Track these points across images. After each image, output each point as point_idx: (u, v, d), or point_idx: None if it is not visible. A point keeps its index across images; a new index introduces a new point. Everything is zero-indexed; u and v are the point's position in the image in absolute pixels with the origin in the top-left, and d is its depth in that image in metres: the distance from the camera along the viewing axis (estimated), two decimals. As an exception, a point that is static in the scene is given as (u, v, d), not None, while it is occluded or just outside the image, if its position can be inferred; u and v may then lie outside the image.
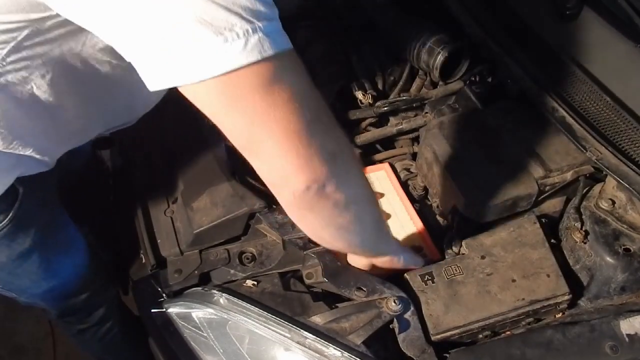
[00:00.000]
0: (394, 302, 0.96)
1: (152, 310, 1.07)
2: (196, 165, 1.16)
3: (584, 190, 1.14)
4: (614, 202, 1.10)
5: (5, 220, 0.98)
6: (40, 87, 0.86)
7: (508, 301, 1.01)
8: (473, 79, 1.37)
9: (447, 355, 0.97)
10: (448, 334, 0.99)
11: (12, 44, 0.77)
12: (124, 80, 0.90)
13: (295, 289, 1.05)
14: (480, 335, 1.03)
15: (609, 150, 1.06)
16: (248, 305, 0.99)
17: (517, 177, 1.11)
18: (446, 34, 1.38)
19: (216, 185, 1.11)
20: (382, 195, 1.25)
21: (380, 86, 1.47)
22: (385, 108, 1.36)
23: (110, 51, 0.80)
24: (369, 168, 1.35)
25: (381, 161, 1.38)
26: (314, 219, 0.80)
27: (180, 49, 0.60)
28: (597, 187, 1.14)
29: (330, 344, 0.92)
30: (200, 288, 1.06)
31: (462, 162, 1.14)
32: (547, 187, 1.13)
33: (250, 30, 0.60)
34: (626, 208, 1.09)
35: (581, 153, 1.10)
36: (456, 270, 1.05)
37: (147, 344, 1.15)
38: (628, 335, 0.97)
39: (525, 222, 1.10)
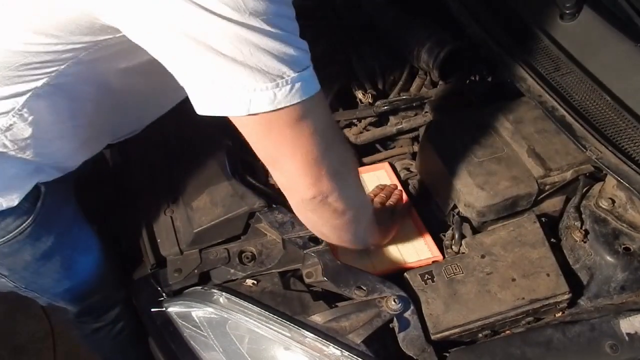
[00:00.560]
0: (394, 301, 0.96)
1: (152, 310, 1.06)
2: (196, 165, 1.16)
3: (584, 190, 1.14)
4: (613, 201, 1.10)
5: (29, 219, 1.00)
6: (78, 97, 0.90)
7: (508, 300, 1.01)
8: (473, 79, 1.37)
9: (447, 355, 0.97)
10: (448, 333, 0.99)
11: (73, 60, 0.82)
12: (147, 93, 1.00)
13: (295, 288, 1.05)
14: (480, 335, 1.03)
15: (608, 150, 1.06)
16: (248, 305, 0.99)
17: (517, 177, 1.11)
18: (446, 34, 1.38)
19: (216, 184, 1.11)
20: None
21: (380, 86, 1.47)
22: (385, 107, 1.36)
23: (150, 68, 0.87)
24: (369, 167, 1.35)
25: (381, 161, 1.38)
26: (316, 219, 0.94)
27: (237, 87, 0.70)
28: (597, 186, 1.14)
29: (330, 343, 0.92)
30: (200, 287, 1.05)
31: (462, 162, 1.14)
32: (547, 187, 1.13)
33: (297, 78, 0.72)
34: (626, 207, 1.09)
35: (581, 152, 1.10)
36: (456, 270, 1.05)
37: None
38: (628, 334, 0.97)
39: (525, 222, 1.10)
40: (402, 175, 1.34)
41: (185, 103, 1.18)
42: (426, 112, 1.37)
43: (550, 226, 1.15)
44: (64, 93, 0.88)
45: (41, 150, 0.95)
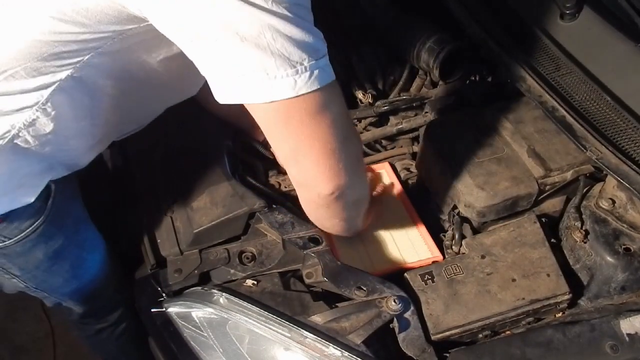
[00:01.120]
0: (394, 301, 0.96)
1: (152, 310, 1.06)
2: (196, 165, 1.16)
3: (584, 190, 1.14)
4: (614, 202, 1.10)
5: (42, 218, 1.02)
6: (97, 92, 0.91)
7: (508, 301, 1.01)
8: (473, 79, 1.37)
9: (447, 355, 0.97)
10: (448, 333, 0.99)
11: (97, 50, 0.84)
12: (159, 90, 1.02)
13: (295, 288, 1.05)
14: (480, 335, 1.03)
15: (609, 150, 1.06)
16: (248, 305, 0.99)
17: (517, 177, 1.11)
18: (446, 34, 1.38)
19: (216, 184, 1.11)
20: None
21: (380, 86, 1.47)
22: (385, 107, 1.36)
23: (167, 62, 0.91)
24: (369, 168, 1.35)
25: (381, 161, 1.38)
26: (325, 213, 0.97)
27: (259, 73, 0.72)
28: (597, 187, 1.14)
29: (330, 344, 0.92)
30: (200, 288, 1.05)
31: (462, 162, 1.14)
32: (547, 187, 1.13)
33: (315, 65, 0.74)
34: (626, 207, 1.09)
35: (581, 152, 1.10)
36: (456, 270, 1.05)
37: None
38: (628, 334, 0.97)
39: (525, 222, 1.10)
40: (402, 175, 1.34)
41: (186, 103, 1.19)
42: (426, 112, 1.37)
43: (551, 226, 1.15)
44: (85, 88, 0.89)
45: (58, 147, 0.96)
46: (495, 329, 1.03)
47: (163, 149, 1.23)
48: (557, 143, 1.15)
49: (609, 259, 1.05)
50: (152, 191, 1.19)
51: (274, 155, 1.28)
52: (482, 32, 1.33)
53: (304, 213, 1.01)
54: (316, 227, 1.06)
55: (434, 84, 1.47)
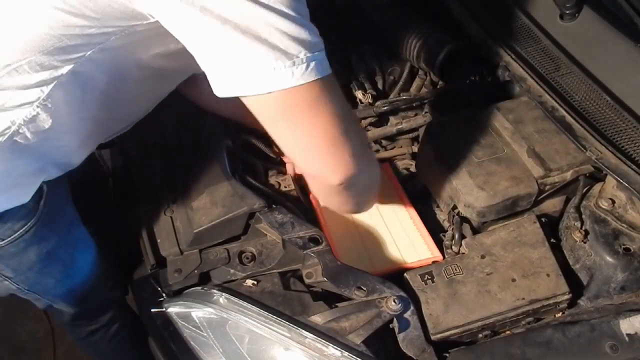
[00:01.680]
0: (394, 301, 0.96)
1: (152, 310, 1.06)
2: (196, 165, 1.16)
3: (584, 190, 1.14)
4: (613, 202, 1.10)
5: (34, 218, 1.02)
6: (90, 87, 0.92)
7: (508, 301, 1.01)
8: (473, 79, 1.37)
9: (447, 355, 0.97)
10: (448, 333, 0.99)
11: (100, 46, 0.85)
12: (148, 85, 1.03)
13: (295, 288, 1.05)
14: (480, 335, 1.03)
15: (608, 150, 1.06)
16: (248, 305, 0.99)
17: (517, 177, 1.11)
18: (446, 34, 1.38)
19: (216, 184, 1.11)
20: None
21: (380, 86, 1.47)
22: (385, 108, 1.36)
23: (161, 61, 0.93)
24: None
25: (381, 161, 1.38)
26: (338, 199, 1.00)
27: (256, 65, 0.74)
28: (597, 187, 1.14)
29: (330, 344, 0.92)
30: (200, 288, 1.05)
31: (462, 162, 1.14)
32: (547, 187, 1.13)
33: (311, 57, 0.76)
34: (626, 207, 1.09)
35: (581, 152, 1.10)
36: (456, 270, 1.05)
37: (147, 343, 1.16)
38: (628, 334, 0.97)
39: (525, 222, 1.10)
40: (402, 175, 1.34)
41: (186, 103, 1.19)
42: (426, 112, 1.37)
43: (551, 226, 1.15)
44: (80, 82, 0.89)
45: (54, 144, 0.96)
46: (495, 328, 1.03)
47: (163, 149, 1.23)
48: (556, 143, 1.15)
49: (608, 259, 1.05)
50: (152, 191, 1.19)
51: (275, 153, 1.28)
52: (482, 32, 1.33)
53: (304, 212, 1.02)
54: (316, 227, 1.06)
55: (434, 84, 1.47)
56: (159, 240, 1.12)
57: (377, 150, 1.42)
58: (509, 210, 1.12)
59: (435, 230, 1.18)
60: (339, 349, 0.92)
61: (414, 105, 1.39)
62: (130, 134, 1.17)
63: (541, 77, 1.20)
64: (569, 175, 1.13)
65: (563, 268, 1.05)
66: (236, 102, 0.79)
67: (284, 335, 0.95)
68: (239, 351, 0.98)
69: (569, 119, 1.12)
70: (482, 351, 0.97)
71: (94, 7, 0.78)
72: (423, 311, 1.00)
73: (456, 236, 1.10)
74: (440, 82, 1.44)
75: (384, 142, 1.43)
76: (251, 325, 0.97)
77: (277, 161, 1.29)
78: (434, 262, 1.09)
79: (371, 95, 1.41)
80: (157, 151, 1.24)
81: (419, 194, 1.28)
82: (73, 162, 1.06)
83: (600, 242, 1.06)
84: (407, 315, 0.97)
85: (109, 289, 1.33)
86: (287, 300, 1.01)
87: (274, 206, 1.09)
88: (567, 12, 1.24)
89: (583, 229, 1.08)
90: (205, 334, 1.01)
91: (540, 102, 1.17)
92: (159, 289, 1.08)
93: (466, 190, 1.11)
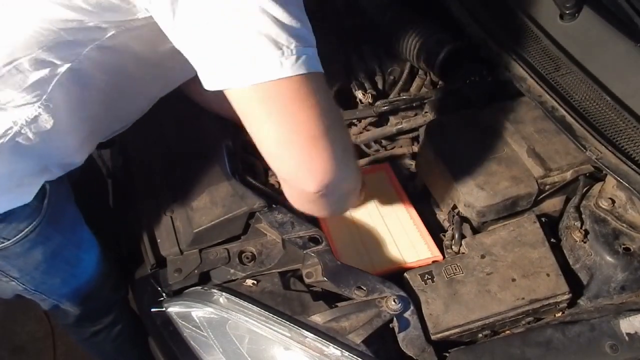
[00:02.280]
0: (394, 301, 0.96)
1: (152, 310, 1.06)
2: (196, 165, 1.16)
3: (584, 190, 1.14)
4: (613, 202, 1.10)
5: (39, 218, 1.02)
6: (90, 85, 0.92)
7: (508, 300, 1.01)
8: (473, 78, 1.37)
9: (447, 355, 0.97)
10: (448, 333, 0.99)
11: (97, 42, 0.84)
12: (146, 84, 1.02)
13: (295, 288, 1.05)
14: (480, 335, 1.03)
15: (608, 150, 1.06)
16: (248, 305, 0.99)
17: (517, 177, 1.11)
18: (446, 34, 1.38)
19: (216, 184, 1.11)
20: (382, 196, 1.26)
21: (380, 86, 1.47)
22: (385, 107, 1.36)
23: (163, 57, 0.91)
24: (369, 168, 1.35)
25: (381, 161, 1.38)
26: (313, 207, 0.95)
27: (245, 54, 0.72)
28: (597, 187, 1.14)
29: (330, 343, 0.92)
30: (200, 287, 1.05)
31: (462, 162, 1.14)
32: (547, 187, 1.13)
33: (302, 51, 0.74)
34: (626, 207, 1.09)
35: (581, 152, 1.10)
36: (456, 270, 1.05)
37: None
38: (628, 334, 0.97)
39: (525, 222, 1.10)
40: (402, 175, 1.34)
41: (186, 103, 1.19)
42: (426, 112, 1.37)
43: (550, 226, 1.15)
44: (80, 81, 0.89)
45: (55, 144, 0.96)
46: (495, 328, 1.03)
47: (163, 149, 1.23)
48: (556, 143, 1.15)
49: (608, 258, 1.05)
50: (152, 191, 1.19)
51: None
52: (482, 32, 1.33)
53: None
54: (316, 227, 1.06)
55: (434, 84, 1.47)
56: (159, 240, 1.12)
57: (377, 150, 1.42)
58: (509, 210, 1.12)
59: (435, 230, 1.18)
60: (339, 348, 0.92)
61: (414, 105, 1.39)
62: (130, 134, 1.17)
63: (541, 77, 1.20)
64: (569, 175, 1.13)
65: (563, 268, 1.05)
66: None
67: (284, 335, 0.95)
68: (239, 351, 0.98)
69: (569, 118, 1.12)
70: (482, 351, 0.97)
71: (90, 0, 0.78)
72: (423, 311, 1.00)
73: (456, 236, 1.10)
74: (440, 82, 1.44)
75: (384, 142, 1.43)
76: (251, 325, 0.97)
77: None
78: (434, 261, 1.09)
79: (371, 95, 1.41)
80: (157, 151, 1.24)
81: (419, 194, 1.28)
82: (75, 161, 1.06)
83: (600, 241, 1.06)
84: (407, 315, 0.97)
85: (112, 289, 1.33)
86: (287, 300, 1.01)
87: (274, 206, 1.09)
88: (567, 12, 1.23)
89: (583, 228, 1.08)
90: (205, 334, 1.01)
91: (540, 102, 1.17)
92: (159, 288, 1.08)
93: (466, 190, 1.11)
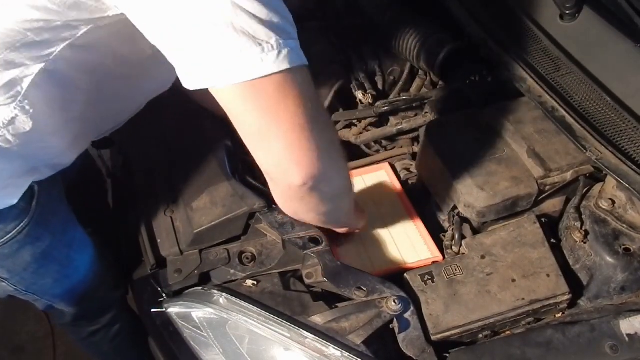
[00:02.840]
0: (394, 301, 0.96)
1: (152, 310, 1.06)
2: (196, 165, 1.16)
3: (584, 190, 1.14)
4: (613, 202, 1.10)
5: (27, 219, 1.01)
6: (69, 85, 0.90)
7: (508, 301, 1.01)
8: (473, 79, 1.37)
9: (447, 355, 0.97)
10: (448, 333, 0.99)
11: (69, 42, 0.83)
12: (132, 82, 1.01)
13: (295, 288, 1.05)
14: (480, 335, 1.03)
15: (608, 150, 1.06)
16: (248, 305, 0.99)
17: (517, 177, 1.11)
18: (446, 34, 1.38)
19: (216, 185, 1.11)
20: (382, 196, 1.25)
21: (380, 86, 1.47)
22: (385, 108, 1.36)
23: (141, 57, 0.90)
24: (369, 168, 1.35)
25: (381, 161, 1.38)
26: (300, 207, 0.93)
27: (223, 54, 0.70)
28: (597, 187, 1.14)
29: (330, 344, 0.92)
30: (200, 288, 1.05)
31: (462, 162, 1.14)
32: (547, 187, 1.13)
33: (283, 45, 0.71)
34: (626, 208, 1.09)
35: (581, 153, 1.10)
36: (456, 270, 1.05)
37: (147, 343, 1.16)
38: (628, 335, 0.97)
39: (525, 222, 1.10)
40: (402, 175, 1.34)
41: (186, 103, 1.19)
42: (426, 112, 1.37)
43: (551, 227, 1.15)
44: (58, 81, 0.88)
45: (38, 145, 0.95)
46: (495, 329, 1.03)
47: (163, 149, 1.23)
48: (557, 143, 1.15)
49: (608, 259, 1.05)
50: (152, 191, 1.19)
51: None
52: (482, 32, 1.33)
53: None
54: (316, 227, 1.06)
55: (434, 84, 1.47)
56: (159, 241, 1.12)
57: (377, 151, 1.42)
58: (509, 211, 1.12)
59: (435, 230, 1.18)
60: (339, 349, 0.92)
61: (414, 105, 1.39)
62: (130, 134, 1.17)
63: (541, 77, 1.20)
64: (569, 175, 1.13)
65: (563, 268, 1.05)
66: None
67: (284, 336, 0.95)
68: (239, 351, 0.98)
69: (569, 119, 1.12)
70: (482, 351, 0.97)
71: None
72: (423, 311, 1.00)
73: (456, 236, 1.10)
74: (440, 82, 1.44)
75: (384, 143, 1.43)
76: (251, 325, 0.97)
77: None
78: (434, 262, 1.10)
79: (371, 95, 1.41)
80: (157, 151, 1.24)
81: (419, 194, 1.28)
82: (64, 162, 1.05)
83: (600, 242, 1.06)
84: (407, 315, 0.97)
85: (109, 289, 1.32)
86: (287, 300, 1.01)
87: (274, 206, 1.09)
88: (567, 12, 1.23)
89: (583, 229, 1.08)
90: (205, 334, 1.01)
91: (540, 103, 1.17)
92: (159, 289, 1.08)
93: (466, 191, 1.11)
